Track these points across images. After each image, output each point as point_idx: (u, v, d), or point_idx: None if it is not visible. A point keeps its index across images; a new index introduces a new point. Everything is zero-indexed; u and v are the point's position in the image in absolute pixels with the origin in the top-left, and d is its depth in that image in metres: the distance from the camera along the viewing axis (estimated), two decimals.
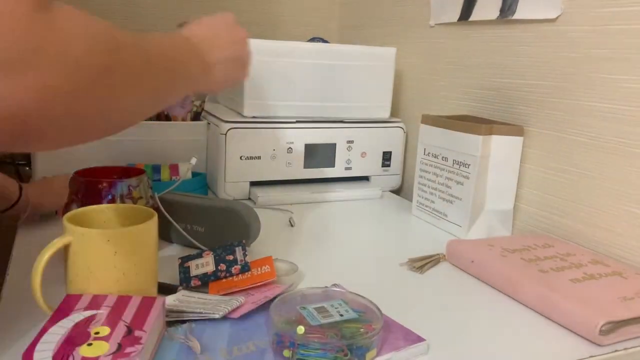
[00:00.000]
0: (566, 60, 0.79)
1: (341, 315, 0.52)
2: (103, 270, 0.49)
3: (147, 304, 0.48)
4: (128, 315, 0.46)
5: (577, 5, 0.77)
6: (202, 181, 0.98)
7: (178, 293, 0.59)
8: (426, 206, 0.93)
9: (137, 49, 0.40)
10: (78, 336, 0.42)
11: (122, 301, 0.48)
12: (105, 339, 0.42)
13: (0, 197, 0.72)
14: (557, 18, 0.80)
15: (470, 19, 0.95)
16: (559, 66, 0.80)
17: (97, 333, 0.43)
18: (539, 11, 0.82)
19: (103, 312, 0.46)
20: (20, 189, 0.74)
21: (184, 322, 0.54)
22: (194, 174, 0.97)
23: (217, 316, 0.53)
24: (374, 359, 0.49)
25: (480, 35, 0.95)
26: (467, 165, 0.83)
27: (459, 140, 0.84)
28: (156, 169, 0.94)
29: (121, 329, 0.44)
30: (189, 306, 0.55)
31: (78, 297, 0.48)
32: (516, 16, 0.85)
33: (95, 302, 0.47)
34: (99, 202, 0.63)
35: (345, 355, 0.47)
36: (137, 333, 0.43)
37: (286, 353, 0.48)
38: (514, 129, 0.84)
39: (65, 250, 0.49)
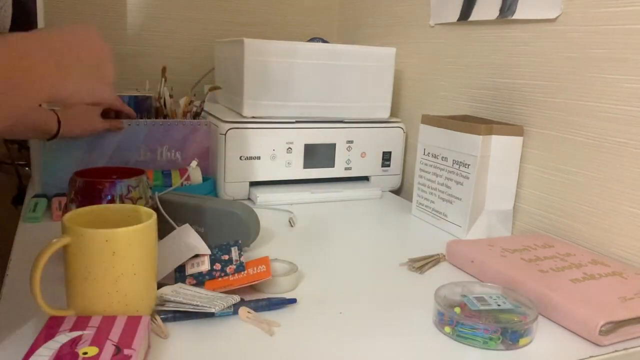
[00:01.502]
0: (566, 60, 0.79)
1: (498, 305, 0.57)
2: (102, 270, 0.49)
3: (133, 322, 0.48)
4: (115, 334, 0.45)
5: (577, 5, 0.77)
6: (212, 185, 0.98)
7: (175, 285, 0.59)
8: (426, 206, 0.93)
9: None
10: (66, 357, 0.42)
11: (107, 321, 0.48)
12: (94, 359, 0.42)
13: (43, 131, 0.83)
14: (556, 18, 0.79)
15: (470, 19, 0.95)
16: (559, 66, 0.80)
17: (85, 353, 0.43)
18: (539, 11, 0.82)
19: (89, 332, 0.46)
20: (59, 122, 0.83)
21: (178, 312, 0.54)
22: (204, 178, 0.97)
23: (213, 310, 0.53)
24: (527, 345, 0.53)
25: (480, 35, 0.95)
26: (466, 165, 0.83)
27: (459, 140, 0.84)
28: (166, 174, 0.94)
29: (109, 349, 0.43)
30: (186, 298, 0.55)
31: (62, 318, 0.48)
32: (516, 16, 0.85)
33: (80, 323, 0.47)
34: (98, 203, 0.63)
35: (499, 338, 0.52)
36: (126, 352, 0.43)
37: (447, 329, 0.55)
38: (513, 129, 0.83)
39: (64, 250, 0.49)
